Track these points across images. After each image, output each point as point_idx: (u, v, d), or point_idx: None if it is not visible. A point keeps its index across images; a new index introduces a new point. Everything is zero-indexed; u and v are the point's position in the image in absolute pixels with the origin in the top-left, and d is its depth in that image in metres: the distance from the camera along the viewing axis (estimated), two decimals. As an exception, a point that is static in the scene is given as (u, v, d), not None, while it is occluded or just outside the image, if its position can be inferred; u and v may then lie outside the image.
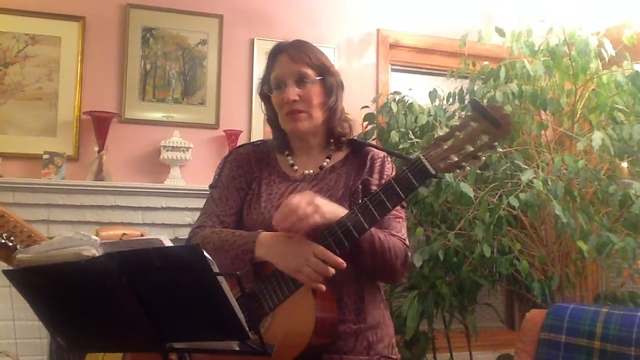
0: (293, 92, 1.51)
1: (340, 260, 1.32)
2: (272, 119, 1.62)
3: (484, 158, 1.29)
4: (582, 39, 2.83)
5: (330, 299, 1.38)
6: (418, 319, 2.79)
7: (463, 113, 3.13)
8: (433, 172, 1.29)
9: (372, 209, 1.32)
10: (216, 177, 1.64)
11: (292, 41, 1.60)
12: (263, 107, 1.65)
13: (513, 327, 3.87)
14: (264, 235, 1.42)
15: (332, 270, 1.31)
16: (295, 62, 1.53)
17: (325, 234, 1.34)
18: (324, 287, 1.32)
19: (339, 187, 1.53)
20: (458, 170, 1.31)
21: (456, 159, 1.29)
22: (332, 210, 1.35)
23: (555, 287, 2.75)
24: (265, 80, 1.60)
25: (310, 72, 1.53)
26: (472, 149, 1.28)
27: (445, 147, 1.30)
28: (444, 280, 2.87)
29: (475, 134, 1.28)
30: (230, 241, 1.43)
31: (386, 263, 1.44)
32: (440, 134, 2.66)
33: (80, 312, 1.15)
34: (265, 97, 1.61)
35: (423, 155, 1.31)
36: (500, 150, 1.30)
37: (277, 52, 1.57)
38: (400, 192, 1.31)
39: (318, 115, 1.54)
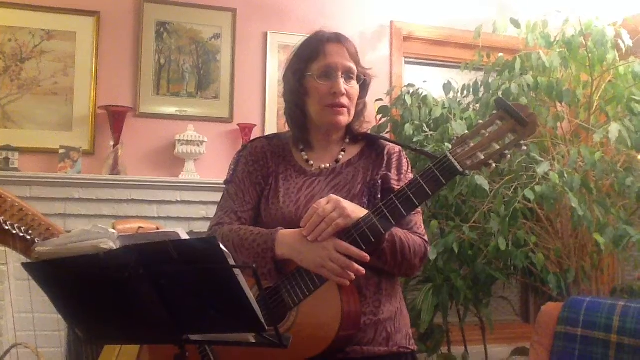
0: (343, 85, 1.48)
1: (363, 253, 1.32)
2: (294, 108, 1.55)
3: (509, 156, 1.31)
4: (599, 29, 2.80)
5: (353, 292, 1.39)
6: (433, 312, 2.78)
7: (477, 105, 3.11)
8: (461, 169, 1.31)
9: (399, 205, 1.33)
10: (231, 172, 1.61)
11: (338, 33, 1.54)
12: (285, 94, 1.57)
13: (528, 321, 3.85)
14: (282, 233, 1.40)
15: (356, 265, 1.32)
16: (349, 55, 1.50)
17: (350, 229, 1.34)
18: (348, 282, 1.32)
19: (357, 181, 1.52)
20: (484, 168, 1.33)
21: (482, 157, 1.31)
22: (356, 211, 1.36)
23: (571, 280, 2.73)
24: (302, 65, 1.51)
25: (355, 69, 1.51)
26: (498, 147, 1.30)
27: (472, 144, 1.32)
28: (458, 273, 2.85)
29: (501, 133, 1.31)
30: (250, 240, 1.42)
31: (405, 261, 1.44)
32: (454, 126, 2.68)
33: (98, 305, 1.16)
34: (296, 83, 1.52)
35: (450, 152, 1.32)
36: (525, 148, 1.33)
37: (327, 40, 1.51)
38: (427, 189, 1.32)
39: (353, 112, 1.53)
